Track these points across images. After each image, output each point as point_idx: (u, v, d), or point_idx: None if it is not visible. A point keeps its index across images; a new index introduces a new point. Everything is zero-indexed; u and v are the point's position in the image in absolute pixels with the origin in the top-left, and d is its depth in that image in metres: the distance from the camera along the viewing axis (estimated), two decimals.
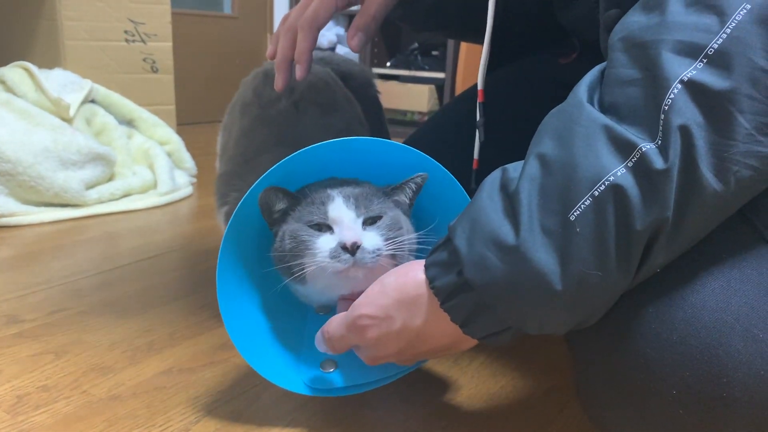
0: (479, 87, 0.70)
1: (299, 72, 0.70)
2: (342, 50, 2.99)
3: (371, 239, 0.58)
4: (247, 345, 0.61)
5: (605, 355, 0.47)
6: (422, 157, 0.60)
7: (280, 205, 0.61)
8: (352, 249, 0.56)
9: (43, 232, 1.22)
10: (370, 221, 0.59)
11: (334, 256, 0.57)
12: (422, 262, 0.52)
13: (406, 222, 0.62)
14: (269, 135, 0.76)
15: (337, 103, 0.82)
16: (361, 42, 0.71)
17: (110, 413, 0.63)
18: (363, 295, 0.55)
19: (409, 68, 2.91)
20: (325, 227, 0.59)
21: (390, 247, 0.58)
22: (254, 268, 0.64)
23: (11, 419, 0.61)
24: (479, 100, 0.70)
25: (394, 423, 0.64)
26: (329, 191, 0.60)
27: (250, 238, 0.64)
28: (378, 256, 0.58)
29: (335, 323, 0.57)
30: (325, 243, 0.58)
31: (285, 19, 0.74)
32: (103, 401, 0.65)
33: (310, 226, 0.59)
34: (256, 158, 0.75)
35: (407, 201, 0.64)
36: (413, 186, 0.63)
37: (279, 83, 0.73)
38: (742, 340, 0.41)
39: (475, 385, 0.72)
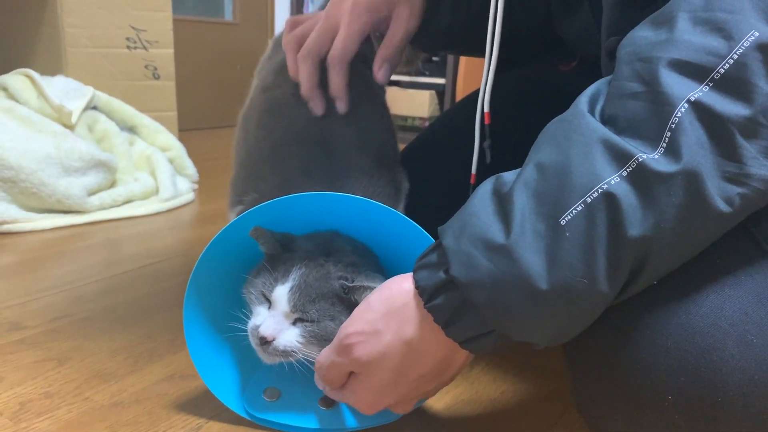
0: (485, 110, 0.69)
1: (341, 107, 0.71)
2: None
3: (289, 338, 0.58)
4: (204, 356, 0.63)
5: (601, 361, 0.47)
6: (419, 233, 0.57)
7: (262, 247, 0.62)
8: (261, 341, 0.57)
9: (45, 238, 1.22)
10: (301, 320, 0.58)
11: (252, 333, 0.59)
12: (406, 275, 0.52)
13: None
14: (292, 129, 0.73)
15: (360, 97, 0.77)
16: (387, 73, 0.72)
17: (112, 420, 0.63)
18: (350, 317, 0.55)
19: (409, 74, 2.92)
20: (268, 300, 0.60)
21: (304, 354, 0.58)
22: (233, 286, 0.64)
23: (14, 426, 0.61)
24: (486, 122, 0.70)
25: (394, 428, 0.64)
26: (293, 270, 0.58)
27: (233, 257, 0.63)
28: (289, 354, 0.58)
29: (324, 352, 0.56)
30: (258, 314, 0.59)
31: (294, 44, 0.73)
32: (105, 408, 0.65)
33: (261, 291, 0.60)
34: (278, 154, 0.72)
35: None
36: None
37: (318, 110, 0.72)
38: (737, 345, 0.42)
39: (476, 390, 0.72)
